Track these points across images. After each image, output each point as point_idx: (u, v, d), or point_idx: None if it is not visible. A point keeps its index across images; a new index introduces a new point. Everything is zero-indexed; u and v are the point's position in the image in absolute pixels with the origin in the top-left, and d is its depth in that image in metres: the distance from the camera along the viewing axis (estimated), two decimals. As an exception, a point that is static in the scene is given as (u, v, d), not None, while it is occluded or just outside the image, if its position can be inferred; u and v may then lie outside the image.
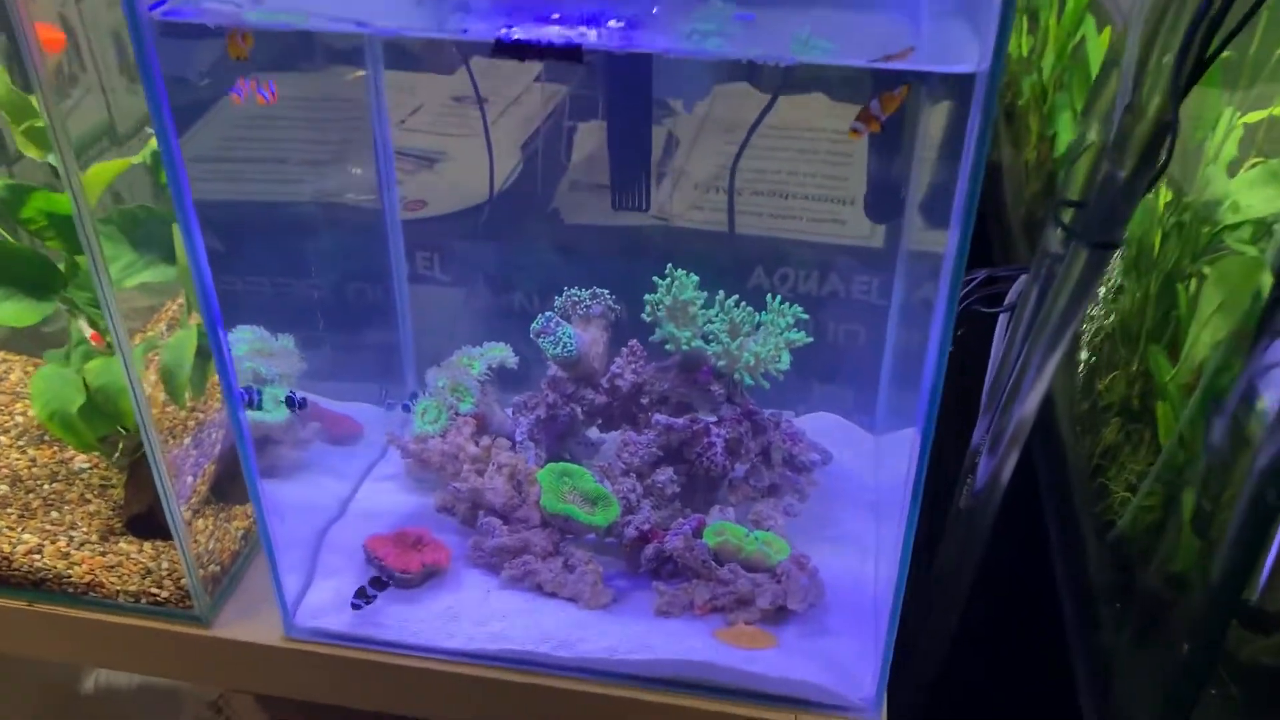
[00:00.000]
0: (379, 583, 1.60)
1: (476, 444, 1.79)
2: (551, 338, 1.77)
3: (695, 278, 1.73)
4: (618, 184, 1.88)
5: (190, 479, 1.81)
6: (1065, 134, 2.27)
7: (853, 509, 1.91)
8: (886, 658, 1.38)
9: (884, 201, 1.89)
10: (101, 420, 1.69)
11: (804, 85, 1.87)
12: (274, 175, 1.96)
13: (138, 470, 1.75)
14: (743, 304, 1.75)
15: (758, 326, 1.76)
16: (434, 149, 2.12)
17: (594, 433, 1.96)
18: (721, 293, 1.75)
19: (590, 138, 2.07)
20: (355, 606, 1.61)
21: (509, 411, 1.95)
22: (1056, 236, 1.46)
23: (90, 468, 1.90)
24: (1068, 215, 1.42)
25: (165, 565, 1.73)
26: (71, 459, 1.92)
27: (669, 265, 1.74)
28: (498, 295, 2.21)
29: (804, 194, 2.02)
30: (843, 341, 2.04)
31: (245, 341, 1.90)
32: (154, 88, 1.25)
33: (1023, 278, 1.66)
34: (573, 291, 1.88)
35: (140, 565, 1.73)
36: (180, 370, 1.64)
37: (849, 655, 1.47)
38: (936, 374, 1.12)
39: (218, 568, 1.75)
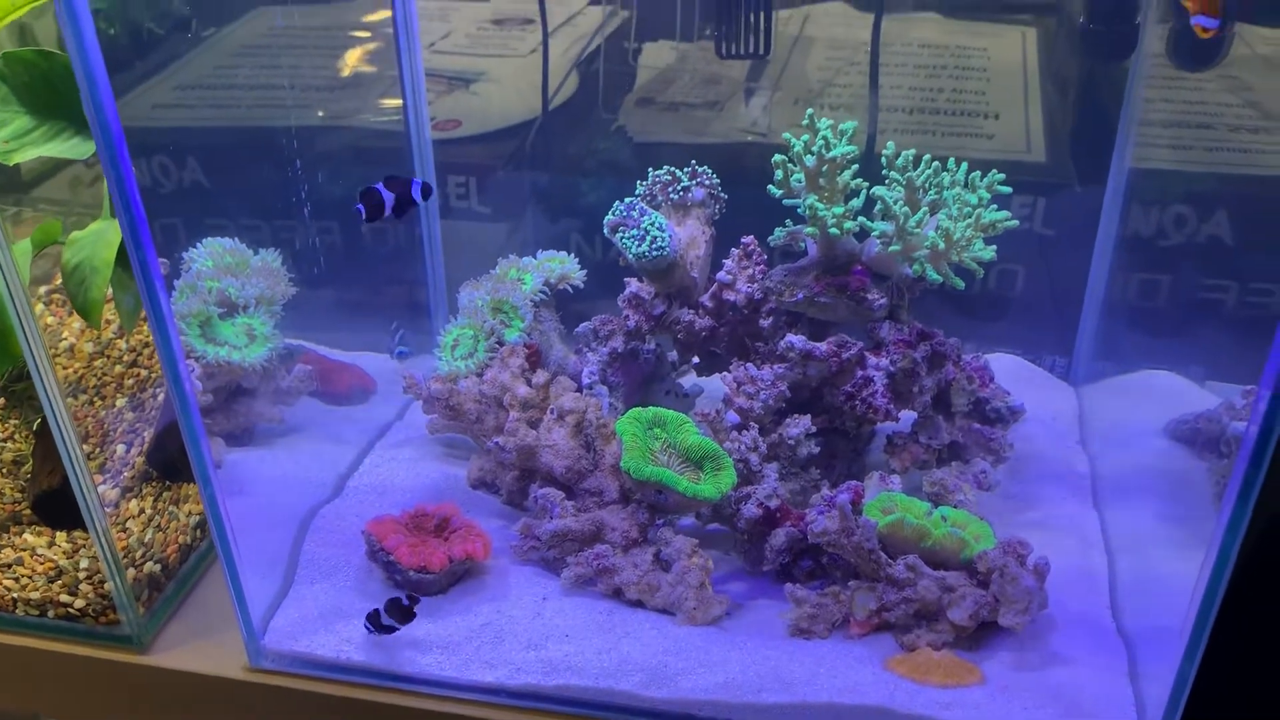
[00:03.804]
0: (401, 609, 1.08)
1: (529, 383, 1.24)
2: (634, 230, 1.23)
3: (852, 124, 1.17)
4: (728, 23, 1.34)
5: (122, 449, 1.30)
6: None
7: (1057, 483, 1.44)
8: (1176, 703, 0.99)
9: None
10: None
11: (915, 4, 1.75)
12: (275, 100, 1.78)
13: (49, 432, 1.22)
14: (927, 160, 1.19)
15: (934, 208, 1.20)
16: (470, 71, 1.95)
17: (689, 380, 1.40)
18: (891, 145, 1.18)
19: (659, 56, 1.85)
20: (368, 629, 1.15)
21: (571, 346, 1.40)
22: None
23: (3, 440, 1.39)
24: None
25: (84, 564, 1.22)
26: (-21, 429, 1.42)
27: (809, 110, 1.18)
28: (550, 224, 1.88)
29: (933, 108, 1.75)
30: (1021, 270, 1.69)
31: (212, 255, 1.38)
32: None
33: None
34: (661, 171, 1.33)
35: (49, 564, 1.24)
36: (95, 275, 1.12)
37: (1093, 698, 1.08)
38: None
39: (158, 567, 1.24)
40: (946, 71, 1.85)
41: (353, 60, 1.81)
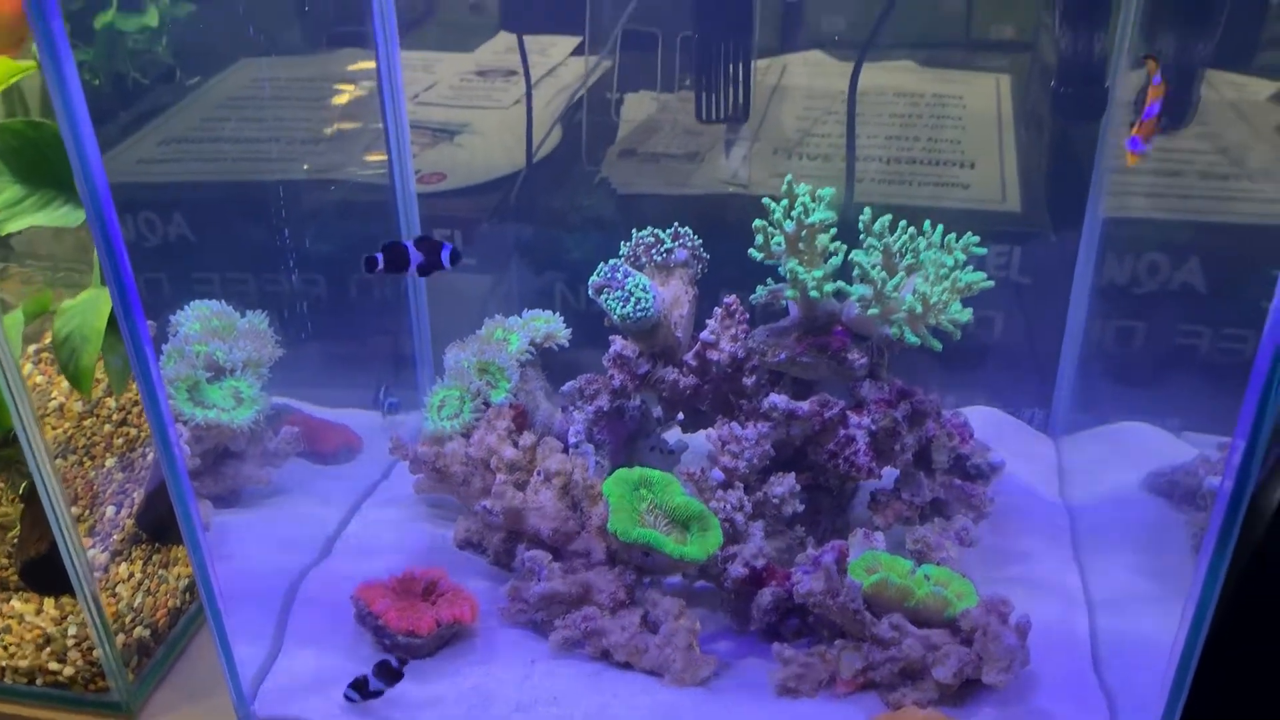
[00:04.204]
0: (390, 671, 1.09)
1: (515, 444, 1.26)
2: (619, 292, 1.25)
3: (829, 190, 1.19)
4: (707, 86, 1.36)
5: (112, 510, 1.30)
6: None
7: (1038, 537, 1.45)
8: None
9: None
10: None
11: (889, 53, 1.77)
12: (260, 154, 1.80)
13: (38, 498, 1.22)
14: (903, 226, 1.21)
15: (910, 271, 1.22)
16: (454, 122, 1.95)
17: (674, 435, 1.42)
18: (867, 211, 1.21)
19: (640, 108, 1.87)
20: (349, 699, 1.15)
21: (557, 404, 1.42)
22: None
23: (-12, 502, 1.40)
24: None
25: (73, 631, 1.22)
26: (-33, 491, 1.41)
27: (788, 176, 1.21)
28: (536, 277, 1.88)
29: (909, 158, 1.78)
30: (998, 320, 1.70)
31: (199, 319, 1.39)
32: None
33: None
34: (644, 233, 1.36)
35: (37, 631, 1.24)
36: (85, 344, 1.13)
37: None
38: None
39: (147, 631, 1.25)
40: (922, 121, 1.88)
41: (337, 112, 1.82)
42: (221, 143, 1.85)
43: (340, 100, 1.82)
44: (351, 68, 1.75)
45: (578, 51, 1.90)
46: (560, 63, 1.98)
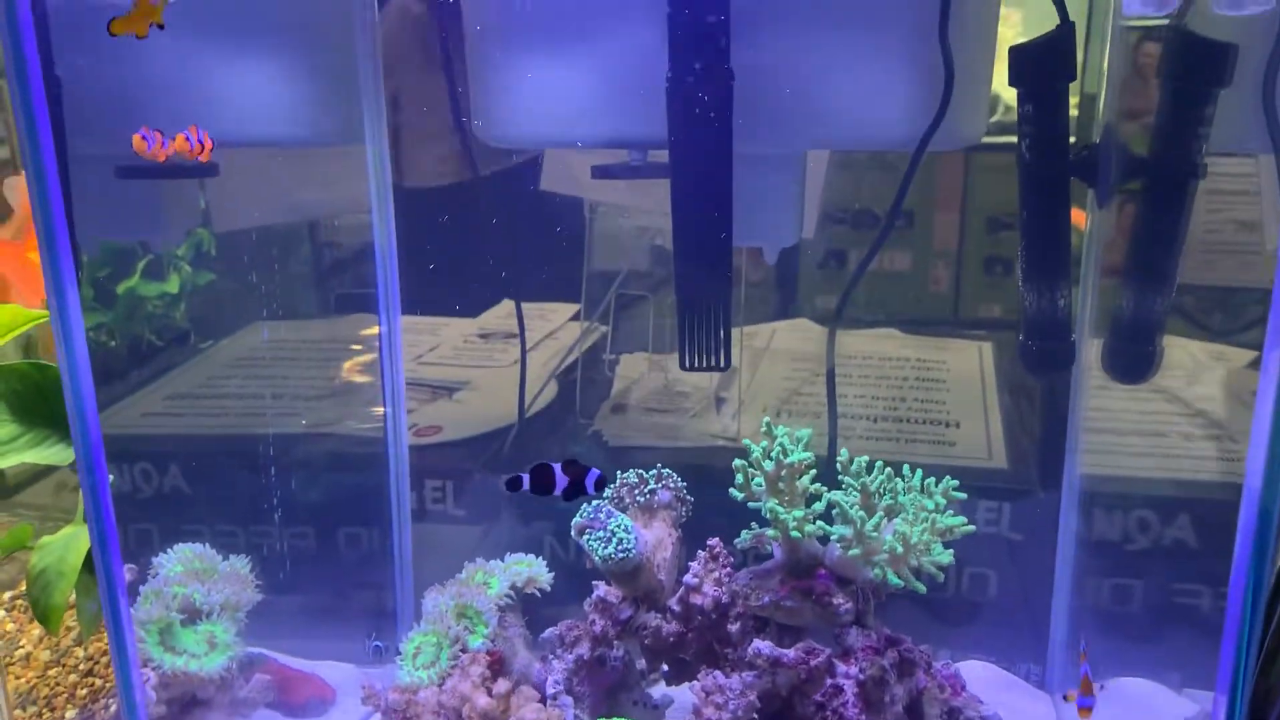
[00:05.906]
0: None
1: (489, 692, 1.21)
2: (601, 532, 1.24)
3: (807, 431, 1.22)
4: (688, 338, 1.41)
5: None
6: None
7: (1044, 802, 1.31)
8: None
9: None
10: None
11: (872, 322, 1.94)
12: (259, 409, 1.86)
13: (-9, 747, 1.18)
14: (879, 466, 1.23)
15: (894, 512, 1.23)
16: (454, 380, 2.04)
17: (659, 689, 1.37)
18: (845, 452, 1.23)
19: (634, 367, 1.97)
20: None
21: (537, 653, 1.38)
22: None
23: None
24: None
25: None
26: (-79, 741, 1.35)
27: (765, 417, 1.24)
28: (524, 527, 1.86)
29: (896, 416, 1.85)
30: (993, 575, 1.69)
31: (181, 560, 1.38)
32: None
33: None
34: (629, 475, 1.37)
35: None
36: (59, 580, 1.12)
37: None
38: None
39: None
40: (908, 383, 1.94)
41: (338, 371, 1.88)
42: (224, 399, 1.90)
43: (342, 360, 1.89)
44: (358, 331, 1.83)
45: (575, 318, 2.01)
46: (559, 326, 2.07)
